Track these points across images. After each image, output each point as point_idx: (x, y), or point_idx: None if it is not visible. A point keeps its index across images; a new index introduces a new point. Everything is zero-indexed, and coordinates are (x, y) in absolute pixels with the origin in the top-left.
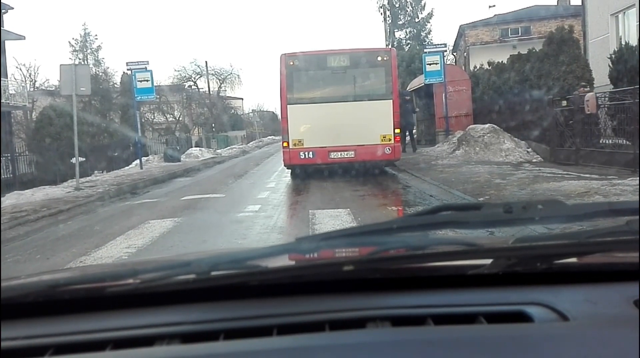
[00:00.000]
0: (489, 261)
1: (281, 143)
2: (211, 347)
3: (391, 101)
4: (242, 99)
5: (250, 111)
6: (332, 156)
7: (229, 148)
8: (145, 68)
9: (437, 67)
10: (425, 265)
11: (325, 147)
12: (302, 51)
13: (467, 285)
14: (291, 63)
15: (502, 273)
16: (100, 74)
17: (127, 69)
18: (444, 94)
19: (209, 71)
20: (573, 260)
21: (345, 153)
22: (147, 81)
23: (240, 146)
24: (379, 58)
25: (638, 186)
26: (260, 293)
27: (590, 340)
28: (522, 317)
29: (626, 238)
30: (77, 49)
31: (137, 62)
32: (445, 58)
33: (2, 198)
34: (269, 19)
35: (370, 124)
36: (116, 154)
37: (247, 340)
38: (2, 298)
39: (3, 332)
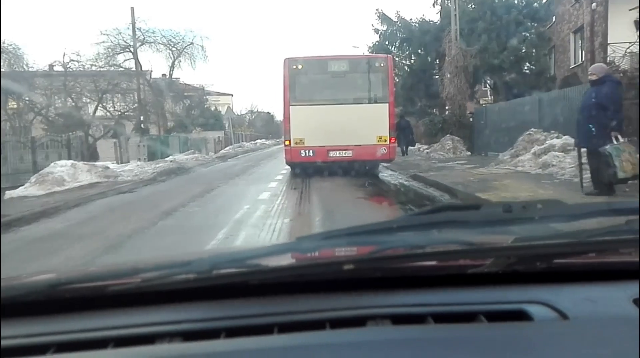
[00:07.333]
0: (489, 260)
1: (282, 142)
2: (212, 345)
3: (387, 104)
4: (232, 95)
5: (247, 111)
6: (331, 155)
7: (170, 158)
8: None
9: None
10: (425, 264)
11: (325, 146)
12: (305, 50)
13: (467, 283)
14: (294, 67)
15: (502, 272)
16: None
17: None
18: None
19: (156, 39)
20: (573, 259)
21: (344, 152)
22: None
23: (190, 156)
24: (377, 64)
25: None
26: (261, 292)
27: (590, 338)
28: (522, 316)
29: (626, 237)
30: None
31: None
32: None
33: None
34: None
35: (367, 125)
36: None
37: (248, 338)
38: (3, 298)
39: (4, 330)
